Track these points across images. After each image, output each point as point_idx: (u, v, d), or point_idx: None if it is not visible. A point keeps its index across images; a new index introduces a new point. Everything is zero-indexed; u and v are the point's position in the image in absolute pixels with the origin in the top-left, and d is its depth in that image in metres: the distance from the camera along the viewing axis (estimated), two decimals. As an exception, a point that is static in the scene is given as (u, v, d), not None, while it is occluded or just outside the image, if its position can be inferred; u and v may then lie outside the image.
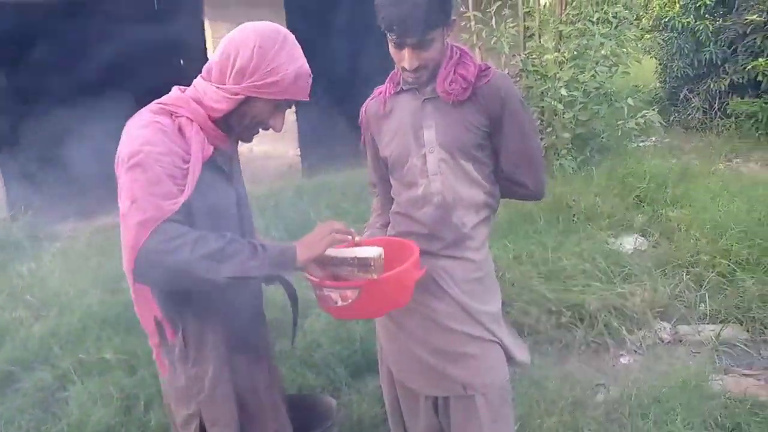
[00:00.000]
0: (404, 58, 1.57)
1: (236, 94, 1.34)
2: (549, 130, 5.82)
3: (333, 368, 2.94)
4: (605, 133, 5.99)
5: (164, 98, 1.38)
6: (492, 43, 5.71)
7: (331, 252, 1.43)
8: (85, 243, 5.18)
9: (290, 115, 7.19)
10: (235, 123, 1.40)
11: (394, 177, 1.81)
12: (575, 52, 5.74)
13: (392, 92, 1.76)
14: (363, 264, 1.41)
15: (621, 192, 5.10)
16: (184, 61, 6.89)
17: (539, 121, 5.83)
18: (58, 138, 5.50)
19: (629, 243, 4.38)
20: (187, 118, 1.34)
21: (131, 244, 1.19)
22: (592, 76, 5.67)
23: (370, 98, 1.84)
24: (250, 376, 1.52)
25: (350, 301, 1.38)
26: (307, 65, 1.40)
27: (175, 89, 1.42)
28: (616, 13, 5.50)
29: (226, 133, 1.41)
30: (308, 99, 1.44)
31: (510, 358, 1.80)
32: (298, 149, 7.40)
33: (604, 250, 4.10)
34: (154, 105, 1.37)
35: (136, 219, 1.19)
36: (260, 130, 1.47)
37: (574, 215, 4.72)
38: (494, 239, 4.36)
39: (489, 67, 1.67)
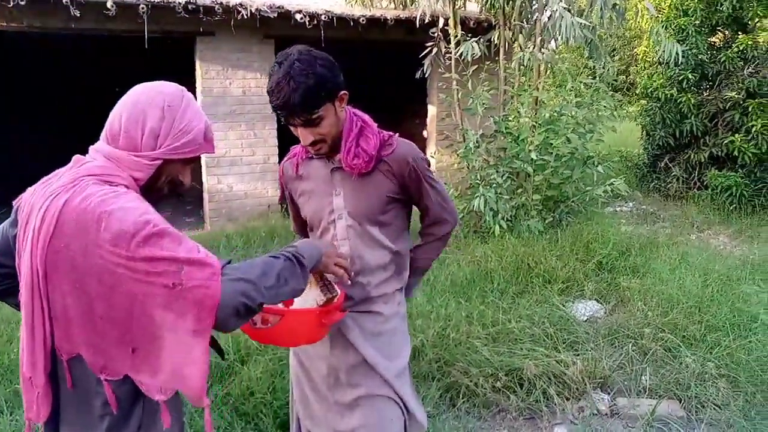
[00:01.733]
0: (299, 135, 1.67)
1: (154, 159, 1.29)
2: (519, 190, 5.94)
3: (262, 418, 2.95)
4: (575, 197, 6.10)
5: (89, 169, 1.26)
6: (468, 104, 5.88)
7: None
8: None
9: (272, 156, 7.33)
10: (147, 186, 1.32)
11: (312, 234, 1.92)
12: (550, 118, 5.91)
13: (305, 157, 1.86)
14: (328, 289, 1.61)
15: (583, 257, 5.16)
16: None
17: (510, 181, 5.95)
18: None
19: (584, 309, 4.42)
20: (125, 186, 1.26)
21: (210, 302, 1.13)
22: (566, 141, 5.82)
23: (286, 158, 1.93)
24: None
25: (269, 325, 1.48)
26: (208, 120, 1.41)
27: (77, 157, 1.31)
28: (589, 84, 5.68)
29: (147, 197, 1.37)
30: (215, 152, 1.50)
31: (410, 415, 1.87)
32: (278, 189, 7.50)
33: (556, 315, 4.14)
34: (85, 177, 1.24)
35: (204, 274, 1.13)
36: (168, 192, 1.41)
37: (533, 277, 4.77)
38: (449, 297, 4.41)
39: (391, 136, 1.78)
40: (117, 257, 1.12)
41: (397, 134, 1.82)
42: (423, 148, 8.38)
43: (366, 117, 1.79)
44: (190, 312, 1.13)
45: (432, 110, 7.87)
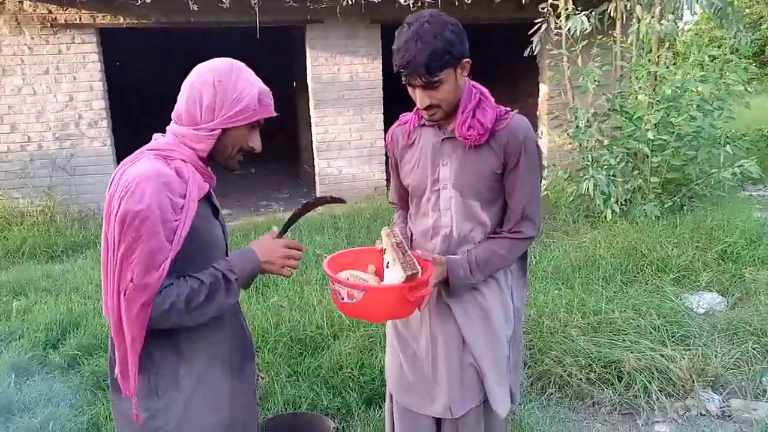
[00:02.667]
0: (416, 97, 1.67)
1: (212, 130, 1.43)
2: (636, 173, 5.56)
3: (349, 392, 3.03)
4: (700, 180, 5.60)
5: (155, 144, 1.47)
6: (579, 81, 5.58)
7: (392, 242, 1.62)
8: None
9: (378, 140, 7.44)
10: (219, 155, 1.50)
11: (412, 203, 1.92)
12: (671, 94, 5.45)
13: (417, 124, 1.86)
14: (409, 266, 1.56)
15: (705, 245, 4.74)
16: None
17: (626, 162, 5.58)
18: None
19: (701, 301, 4.07)
20: (182, 160, 1.43)
21: (130, 314, 1.33)
22: (689, 119, 5.35)
23: (396, 124, 1.93)
24: (236, 397, 1.61)
25: (355, 300, 1.54)
26: (264, 85, 1.49)
27: (156, 136, 1.51)
28: (715, 56, 5.16)
29: (212, 168, 1.56)
30: (276, 114, 1.54)
31: (488, 405, 1.86)
32: (384, 173, 7.60)
33: (667, 306, 3.84)
34: (147, 152, 1.44)
35: (141, 301, 1.32)
36: (242, 155, 1.56)
37: (644, 264, 4.47)
38: (549, 284, 4.25)
39: (508, 111, 1.73)
40: (116, 232, 1.34)
41: (516, 111, 1.76)
42: (536, 128, 8.09)
43: (485, 90, 1.75)
44: (130, 315, 1.34)
45: (543, 89, 7.56)
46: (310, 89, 7.20)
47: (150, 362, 1.45)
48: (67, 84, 6.48)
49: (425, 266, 1.64)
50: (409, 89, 1.66)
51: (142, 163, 1.40)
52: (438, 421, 1.92)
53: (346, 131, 7.38)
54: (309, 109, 7.43)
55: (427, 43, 1.53)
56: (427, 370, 1.87)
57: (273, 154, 11.97)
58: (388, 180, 7.71)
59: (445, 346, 1.82)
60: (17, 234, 5.93)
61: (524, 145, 1.69)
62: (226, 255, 1.64)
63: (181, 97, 1.46)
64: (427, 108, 1.66)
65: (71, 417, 2.89)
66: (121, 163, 1.46)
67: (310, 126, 7.48)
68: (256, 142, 1.54)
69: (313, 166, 7.61)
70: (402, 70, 1.58)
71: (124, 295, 1.32)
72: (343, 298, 1.56)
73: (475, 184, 1.73)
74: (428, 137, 1.80)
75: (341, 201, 1.74)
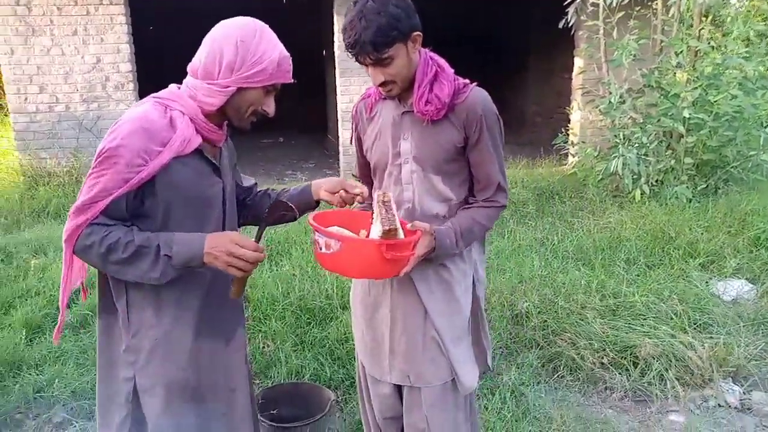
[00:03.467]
0: (371, 75, 1.67)
1: (227, 87, 1.42)
2: (669, 152, 5.33)
3: (353, 363, 2.98)
4: (737, 163, 5.34)
5: (162, 93, 1.49)
6: (614, 54, 5.34)
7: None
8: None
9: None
10: (232, 114, 1.50)
11: (375, 177, 1.91)
12: (710, 72, 5.18)
13: (378, 98, 1.84)
14: (387, 221, 1.51)
15: (737, 231, 4.53)
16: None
17: (659, 141, 5.35)
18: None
19: (729, 289, 3.90)
20: (180, 111, 1.44)
21: (67, 231, 1.41)
22: (729, 97, 5.07)
23: (360, 98, 1.92)
24: (206, 359, 1.59)
25: (332, 250, 1.50)
26: (285, 50, 1.48)
27: (171, 86, 1.52)
28: (761, 32, 4.86)
29: (222, 124, 1.54)
30: (293, 81, 1.52)
31: (457, 377, 1.85)
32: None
33: (691, 292, 3.68)
34: (151, 98, 1.48)
35: (76, 222, 1.38)
36: (255, 117, 1.56)
37: (671, 248, 4.29)
38: (569, 263, 4.12)
39: (467, 84, 1.71)
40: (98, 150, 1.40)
41: (476, 83, 1.74)
42: (568, 104, 7.83)
43: (442, 62, 1.73)
44: (67, 230, 1.41)
45: (578, 63, 7.28)
46: (336, 57, 7.08)
47: (127, 297, 1.50)
48: (94, 46, 6.49)
49: (412, 233, 1.61)
50: (364, 68, 1.66)
51: (139, 106, 1.44)
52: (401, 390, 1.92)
53: (370, 101, 7.25)
54: (335, 79, 7.32)
55: (371, 20, 1.53)
56: (386, 338, 1.86)
57: (302, 124, 11.96)
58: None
59: (405, 316, 1.82)
60: (43, 194, 6.02)
61: (485, 119, 1.69)
62: (224, 218, 1.60)
63: (201, 51, 1.45)
64: (382, 84, 1.65)
65: (77, 376, 2.91)
66: None
67: (337, 96, 7.38)
68: (270, 107, 1.52)
69: (338, 136, 7.52)
70: (350, 50, 1.59)
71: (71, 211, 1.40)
72: (320, 248, 1.54)
73: (436, 158, 1.73)
74: (389, 111, 1.79)
75: (292, 217, 1.66)
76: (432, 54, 1.72)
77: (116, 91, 6.62)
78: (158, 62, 9.16)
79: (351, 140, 1.99)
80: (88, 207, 1.36)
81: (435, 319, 1.81)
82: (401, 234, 1.53)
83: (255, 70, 1.41)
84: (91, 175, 1.38)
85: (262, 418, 2.30)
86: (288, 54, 1.49)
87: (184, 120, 1.44)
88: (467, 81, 1.73)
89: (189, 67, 1.48)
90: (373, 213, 1.65)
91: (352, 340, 3.15)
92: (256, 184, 1.88)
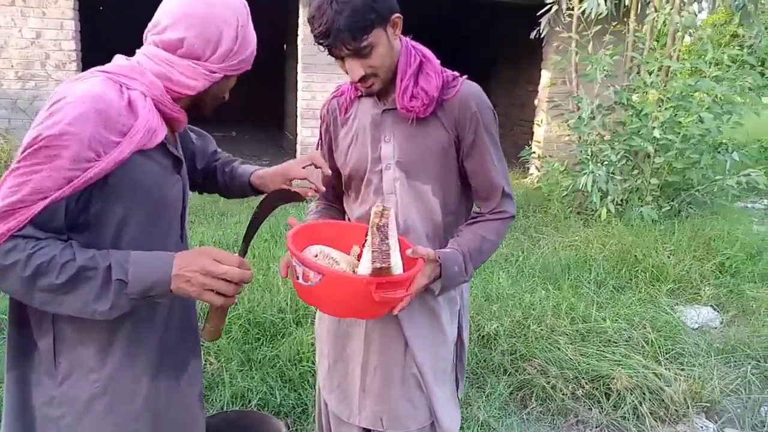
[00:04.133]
0: (347, 69, 1.37)
1: (214, 72, 1.19)
2: (635, 172, 5.24)
3: (307, 388, 2.69)
4: (701, 186, 5.31)
5: (111, 66, 1.17)
6: (587, 69, 5.23)
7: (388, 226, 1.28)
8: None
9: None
10: (207, 102, 1.26)
11: (348, 188, 1.62)
12: (681, 93, 5.12)
13: (354, 96, 1.56)
14: (379, 257, 1.21)
15: (702, 255, 4.46)
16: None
17: (626, 160, 5.26)
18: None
19: (696, 316, 3.79)
20: (140, 92, 1.13)
21: None
22: (697, 120, 5.03)
23: (332, 95, 1.63)
24: (164, 402, 1.28)
25: (310, 283, 1.22)
26: None
27: (119, 58, 1.21)
28: (735, 56, 4.83)
29: (187, 111, 1.25)
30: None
31: (438, 421, 1.60)
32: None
33: (661, 319, 3.55)
34: (99, 72, 1.14)
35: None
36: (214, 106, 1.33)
37: (639, 271, 4.17)
38: (537, 283, 3.93)
39: (456, 77, 1.46)
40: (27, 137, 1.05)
41: (465, 76, 1.48)
42: (533, 119, 7.73)
43: (427, 51, 1.47)
44: None
45: (545, 76, 7.18)
46: (299, 50, 6.75)
47: (54, 332, 1.15)
48: (35, 19, 5.95)
49: (411, 264, 1.31)
50: (337, 62, 1.38)
51: (85, 82, 1.09)
52: None
53: (333, 100, 6.94)
54: (297, 73, 6.98)
55: (345, 3, 1.27)
56: (357, 374, 1.58)
57: (256, 119, 11.52)
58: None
59: (381, 348, 1.55)
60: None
61: (480, 116, 1.43)
62: (182, 222, 1.32)
63: (186, 24, 1.15)
64: (362, 80, 1.37)
65: None
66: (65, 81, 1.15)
67: (297, 91, 7.04)
68: (227, 93, 1.33)
69: (296, 133, 7.18)
70: (322, 41, 1.32)
71: None
72: (298, 278, 1.26)
73: (424, 163, 1.47)
74: (366, 109, 1.52)
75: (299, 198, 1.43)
76: (414, 42, 1.47)
77: (57, 70, 6.09)
78: (107, 43, 8.59)
79: (318, 145, 1.67)
80: (12, 213, 1.00)
81: (417, 352, 1.54)
82: (397, 267, 1.23)
83: (242, 58, 1.22)
84: (17, 171, 1.01)
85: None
86: None
87: (147, 104, 1.13)
88: (456, 73, 1.47)
89: (157, 38, 1.17)
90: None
91: (306, 360, 2.86)
92: (216, 150, 1.62)
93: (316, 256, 1.30)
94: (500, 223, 1.52)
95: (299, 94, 6.92)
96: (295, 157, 7.18)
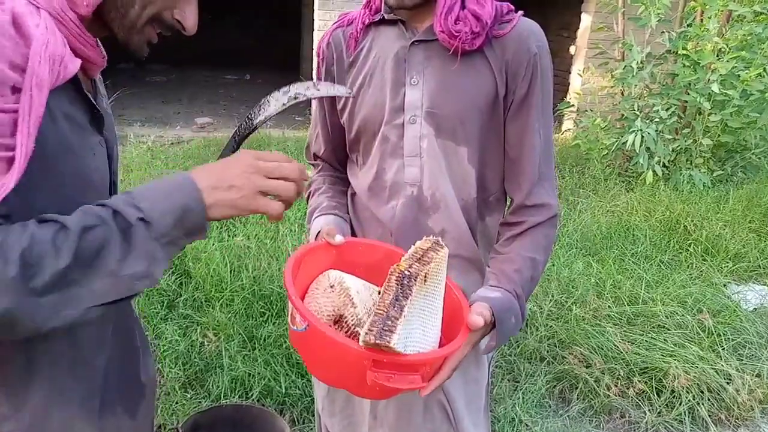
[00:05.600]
0: None
1: None
2: (686, 131, 4.72)
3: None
4: (758, 149, 4.79)
5: None
6: (638, 12, 4.64)
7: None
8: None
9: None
10: (115, 18, 0.79)
11: (354, 151, 1.25)
12: (743, 42, 4.54)
13: (368, 20, 1.15)
14: (377, 328, 0.80)
15: (760, 227, 4.00)
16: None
17: (678, 118, 4.74)
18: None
19: (755, 297, 3.38)
20: (33, 5, 0.72)
21: None
22: (760, 74, 4.46)
23: (335, 25, 1.21)
24: None
25: (295, 328, 0.90)
26: None
27: None
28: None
29: (98, 36, 0.82)
30: None
31: None
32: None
33: (719, 302, 3.14)
34: None
35: None
36: (159, 32, 0.84)
37: (690, 243, 3.73)
38: (576, 255, 3.52)
39: (512, 10, 1.11)
40: None
41: (522, 12, 1.12)
42: (568, 69, 7.14)
43: None
44: None
45: (586, 20, 6.55)
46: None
47: None
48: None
49: (452, 331, 0.93)
50: None
51: None
52: None
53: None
54: (313, 11, 6.43)
55: None
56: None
57: (271, 61, 10.98)
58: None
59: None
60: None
61: (539, 63, 1.09)
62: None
63: None
64: None
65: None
66: None
67: (313, 32, 6.50)
68: (189, 17, 0.83)
69: (312, 77, 6.69)
70: None
71: None
72: (288, 316, 0.95)
73: (461, 117, 1.11)
74: (386, 42, 1.15)
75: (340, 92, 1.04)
76: None
77: None
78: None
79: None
80: None
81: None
82: (412, 342, 0.82)
83: None
84: None
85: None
86: None
87: (42, 23, 0.71)
88: (512, 7, 1.11)
89: None
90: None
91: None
92: None
93: (332, 287, 0.90)
94: (547, 230, 1.13)
95: (315, 34, 6.39)
96: (310, 104, 6.69)
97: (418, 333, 0.82)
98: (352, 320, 0.90)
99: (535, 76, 1.09)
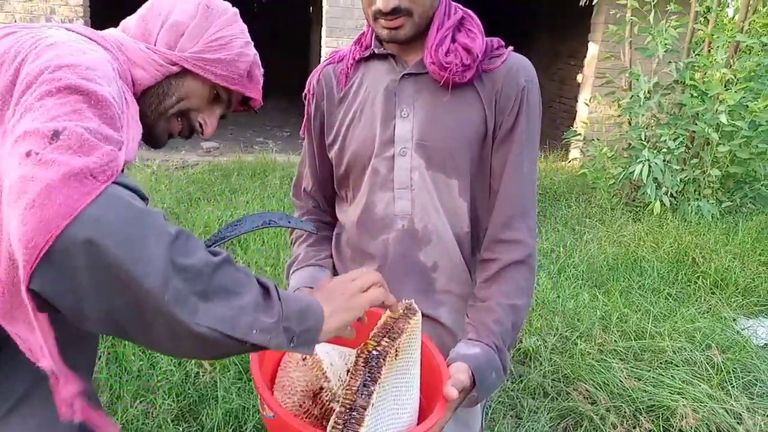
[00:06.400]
0: None
1: (172, 63, 0.91)
2: (694, 161, 4.68)
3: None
4: (767, 180, 4.74)
5: (106, 35, 0.90)
6: (645, 42, 4.64)
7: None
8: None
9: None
10: (151, 105, 0.93)
11: (344, 186, 1.23)
12: (752, 73, 4.52)
13: (358, 57, 1.16)
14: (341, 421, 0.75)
15: (769, 260, 3.93)
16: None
17: (686, 148, 4.70)
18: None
19: (765, 331, 3.29)
20: (117, 69, 0.83)
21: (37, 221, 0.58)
22: (769, 105, 4.44)
23: (325, 62, 1.22)
24: None
25: (266, 414, 0.83)
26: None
27: (111, 32, 0.95)
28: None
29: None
30: (261, 104, 1.05)
31: None
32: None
33: (729, 338, 3.06)
34: (97, 40, 0.85)
35: (63, 168, 0.60)
36: (180, 130, 0.99)
37: (698, 276, 3.66)
38: (581, 286, 3.45)
39: (502, 45, 1.13)
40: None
41: (512, 47, 1.14)
42: (575, 97, 7.13)
43: (469, 11, 1.13)
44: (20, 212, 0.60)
45: (593, 49, 6.56)
46: (324, 13, 6.23)
47: None
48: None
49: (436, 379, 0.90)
50: None
51: (77, 43, 0.78)
52: None
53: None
54: (321, 38, 6.48)
55: None
56: None
57: (279, 87, 11.07)
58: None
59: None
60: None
61: (527, 97, 1.09)
62: None
63: (143, 7, 0.97)
64: (393, 12, 1.02)
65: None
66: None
67: (321, 58, 6.55)
68: (210, 124, 0.99)
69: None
70: None
71: (33, 156, 0.61)
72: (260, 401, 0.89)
73: (452, 150, 1.10)
74: (377, 76, 1.15)
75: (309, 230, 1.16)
76: (456, 3, 1.14)
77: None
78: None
79: (302, 129, 1.26)
80: (106, 136, 0.67)
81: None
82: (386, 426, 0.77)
83: (218, 56, 0.93)
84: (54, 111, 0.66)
85: None
86: (261, 69, 1.02)
87: (121, 86, 0.81)
88: (502, 42, 1.13)
89: (121, 23, 0.97)
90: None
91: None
92: None
93: (303, 359, 0.87)
94: (525, 273, 1.09)
95: (323, 60, 6.43)
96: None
97: (390, 416, 0.77)
98: (326, 396, 0.85)
99: (522, 109, 1.08)
